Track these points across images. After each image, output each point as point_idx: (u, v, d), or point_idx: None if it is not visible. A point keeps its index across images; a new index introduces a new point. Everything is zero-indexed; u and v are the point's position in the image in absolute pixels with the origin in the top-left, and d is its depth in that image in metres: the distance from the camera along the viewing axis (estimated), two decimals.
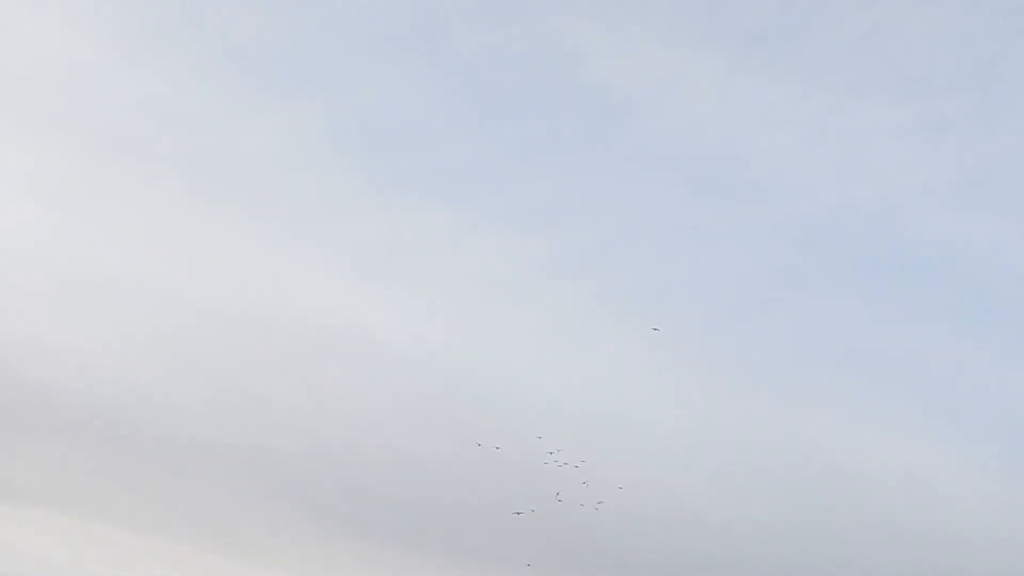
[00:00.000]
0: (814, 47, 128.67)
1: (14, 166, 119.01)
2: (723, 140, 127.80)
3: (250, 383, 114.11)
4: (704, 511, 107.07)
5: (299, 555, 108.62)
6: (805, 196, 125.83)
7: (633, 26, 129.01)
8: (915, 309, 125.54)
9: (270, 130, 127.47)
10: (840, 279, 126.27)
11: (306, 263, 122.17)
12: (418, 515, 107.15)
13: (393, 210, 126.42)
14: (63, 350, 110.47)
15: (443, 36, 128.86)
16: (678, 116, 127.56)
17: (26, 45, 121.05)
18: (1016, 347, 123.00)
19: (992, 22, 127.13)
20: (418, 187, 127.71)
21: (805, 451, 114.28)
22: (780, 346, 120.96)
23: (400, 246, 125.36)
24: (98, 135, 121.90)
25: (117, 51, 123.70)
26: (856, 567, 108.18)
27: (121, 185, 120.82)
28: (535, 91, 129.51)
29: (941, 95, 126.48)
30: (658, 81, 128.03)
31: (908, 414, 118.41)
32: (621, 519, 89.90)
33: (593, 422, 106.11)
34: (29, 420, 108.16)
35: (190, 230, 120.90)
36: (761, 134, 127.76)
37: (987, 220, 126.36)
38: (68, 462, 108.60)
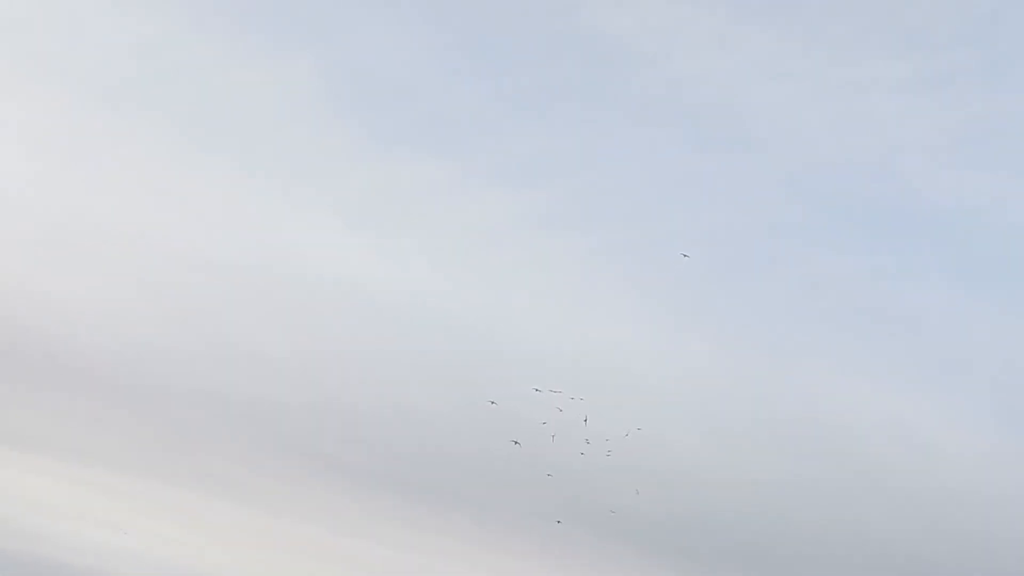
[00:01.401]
0: None
1: (6, 114, 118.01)
2: (723, 91, 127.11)
3: (246, 334, 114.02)
4: (700, 464, 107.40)
5: (298, 504, 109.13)
6: (804, 149, 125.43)
7: None
8: (912, 264, 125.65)
9: (264, 80, 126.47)
10: (838, 233, 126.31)
11: (302, 214, 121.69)
12: (418, 467, 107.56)
13: (389, 161, 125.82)
14: (60, 300, 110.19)
15: None
16: (678, 67, 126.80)
17: None
18: (1012, 303, 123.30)
19: None
20: (414, 138, 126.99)
21: (800, 405, 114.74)
22: (777, 300, 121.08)
23: (397, 198, 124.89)
24: (90, 83, 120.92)
25: None
26: (850, 521, 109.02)
27: (114, 134, 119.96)
28: (533, 41, 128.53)
29: (943, 49, 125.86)
30: (658, 31, 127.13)
31: (903, 369, 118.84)
32: (622, 472, 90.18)
33: (591, 375, 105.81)
34: (28, 369, 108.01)
35: (184, 180, 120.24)
36: (761, 86, 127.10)
37: (986, 176, 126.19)
38: (68, 411, 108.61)
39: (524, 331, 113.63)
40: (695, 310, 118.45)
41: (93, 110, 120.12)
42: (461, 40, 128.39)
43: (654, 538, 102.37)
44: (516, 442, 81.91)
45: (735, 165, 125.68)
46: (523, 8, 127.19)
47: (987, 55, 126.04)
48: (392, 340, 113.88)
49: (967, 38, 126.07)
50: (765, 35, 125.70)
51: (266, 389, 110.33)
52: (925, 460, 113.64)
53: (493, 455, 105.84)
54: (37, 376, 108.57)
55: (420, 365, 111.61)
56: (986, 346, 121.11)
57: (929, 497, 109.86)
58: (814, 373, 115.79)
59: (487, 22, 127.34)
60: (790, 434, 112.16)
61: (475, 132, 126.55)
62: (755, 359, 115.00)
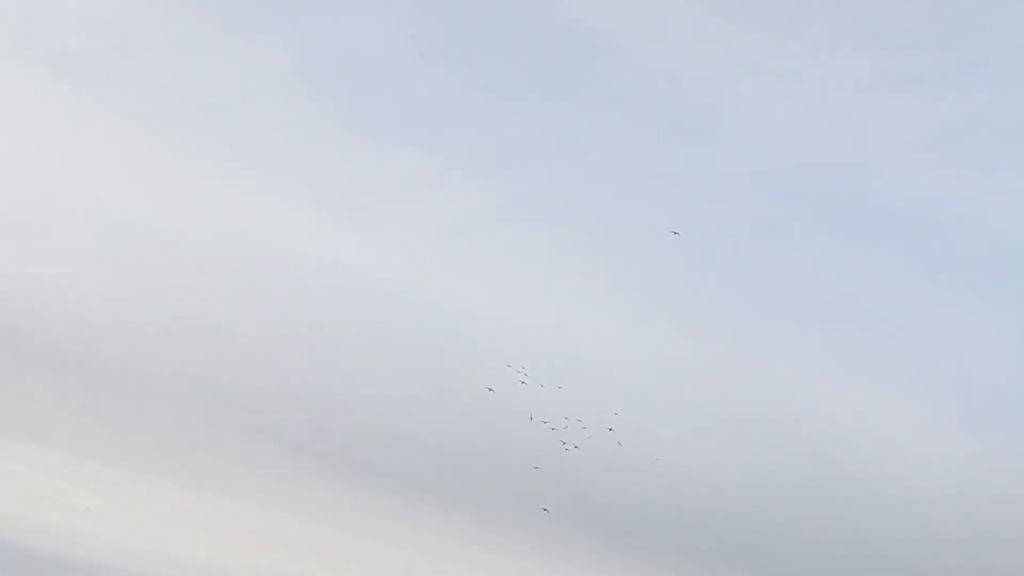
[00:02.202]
0: None
1: None
2: (697, 86, 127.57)
3: (216, 316, 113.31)
4: (672, 457, 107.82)
5: (263, 485, 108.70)
6: (776, 145, 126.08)
7: None
8: (881, 262, 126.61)
9: (239, 62, 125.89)
10: (808, 229, 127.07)
11: (273, 198, 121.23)
12: (389, 454, 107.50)
13: (362, 148, 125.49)
14: (27, 281, 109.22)
15: None
16: (655, 61, 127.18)
17: None
18: (977, 302, 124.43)
19: None
20: (389, 125, 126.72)
21: (770, 400, 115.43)
22: (746, 294, 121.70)
23: (369, 184, 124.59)
24: (59, 60, 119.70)
25: None
26: (816, 517, 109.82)
27: (84, 114, 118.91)
28: (509, 32, 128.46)
29: (915, 49, 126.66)
30: (636, 25, 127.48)
31: (871, 367, 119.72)
32: (595, 463, 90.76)
33: (560, 364, 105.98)
34: None
35: (155, 160, 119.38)
36: (735, 81, 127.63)
37: (955, 176, 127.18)
38: (32, 392, 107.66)
39: (494, 319, 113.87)
40: (668, 304, 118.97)
41: (60, 90, 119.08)
42: (437, 28, 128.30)
43: (626, 530, 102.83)
44: (490, 389, 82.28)
45: (708, 159, 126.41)
46: (501, 0, 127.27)
47: (958, 56, 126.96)
48: (366, 327, 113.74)
49: (939, 38, 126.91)
50: (742, 31, 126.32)
51: (237, 371, 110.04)
52: (889, 456, 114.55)
53: (467, 443, 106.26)
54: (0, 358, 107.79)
55: (393, 352, 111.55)
56: (952, 344, 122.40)
57: (894, 493, 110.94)
58: (784, 369, 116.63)
59: (464, 12, 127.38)
60: (760, 429, 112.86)
61: (451, 122, 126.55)
62: (726, 354, 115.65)
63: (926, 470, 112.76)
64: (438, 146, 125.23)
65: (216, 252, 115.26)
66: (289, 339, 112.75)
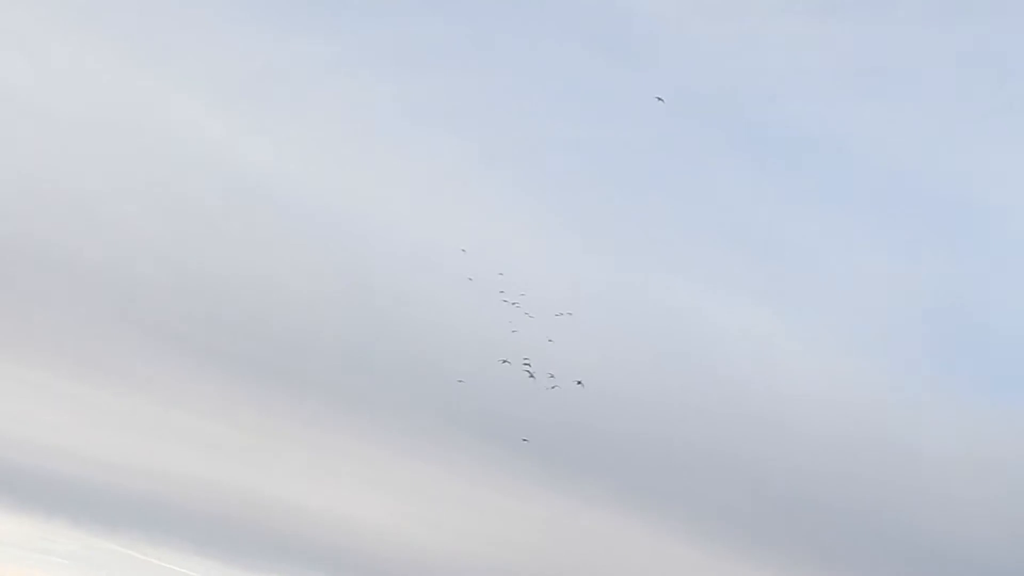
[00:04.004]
0: None
1: None
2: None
3: (110, 203, 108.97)
4: (563, 371, 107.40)
5: (159, 382, 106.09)
6: (694, 67, 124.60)
7: None
8: (790, 190, 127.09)
9: None
10: (720, 154, 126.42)
11: (174, 83, 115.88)
12: (284, 352, 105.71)
13: (268, 36, 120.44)
14: None
15: None
16: None
17: None
18: (882, 231, 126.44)
19: None
20: (298, 13, 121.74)
21: (665, 317, 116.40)
22: (653, 214, 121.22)
23: (274, 74, 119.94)
24: None
25: None
26: (708, 438, 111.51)
27: None
28: None
29: None
30: None
31: (777, 294, 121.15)
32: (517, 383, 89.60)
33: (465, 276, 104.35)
34: None
35: (52, 43, 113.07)
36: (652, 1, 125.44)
37: (866, 106, 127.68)
38: None
39: (404, 225, 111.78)
40: (577, 219, 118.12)
41: None
42: None
43: (530, 446, 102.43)
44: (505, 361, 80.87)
45: (626, 76, 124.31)
46: None
47: None
48: (266, 222, 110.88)
49: None
50: None
51: (130, 263, 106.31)
52: (780, 379, 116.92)
53: (361, 344, 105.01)
54: None
55: (296, 250, 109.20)
56: (858, 274, 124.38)
57: (797, 421, 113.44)
58: (692, 293, 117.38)
59: None
60: (654, 346, 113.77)
61: (364, 10, 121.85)
62: (634, 272, 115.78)
63: (828, 399, 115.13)
64: (350, 39, 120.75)
65: (110, 134, 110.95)
66: (186, 231, 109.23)
